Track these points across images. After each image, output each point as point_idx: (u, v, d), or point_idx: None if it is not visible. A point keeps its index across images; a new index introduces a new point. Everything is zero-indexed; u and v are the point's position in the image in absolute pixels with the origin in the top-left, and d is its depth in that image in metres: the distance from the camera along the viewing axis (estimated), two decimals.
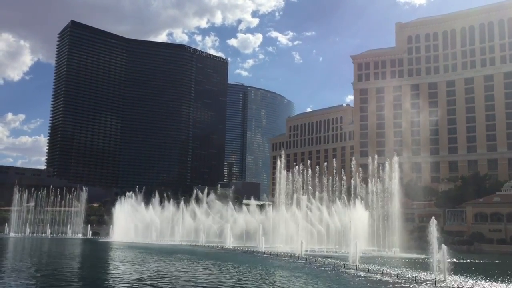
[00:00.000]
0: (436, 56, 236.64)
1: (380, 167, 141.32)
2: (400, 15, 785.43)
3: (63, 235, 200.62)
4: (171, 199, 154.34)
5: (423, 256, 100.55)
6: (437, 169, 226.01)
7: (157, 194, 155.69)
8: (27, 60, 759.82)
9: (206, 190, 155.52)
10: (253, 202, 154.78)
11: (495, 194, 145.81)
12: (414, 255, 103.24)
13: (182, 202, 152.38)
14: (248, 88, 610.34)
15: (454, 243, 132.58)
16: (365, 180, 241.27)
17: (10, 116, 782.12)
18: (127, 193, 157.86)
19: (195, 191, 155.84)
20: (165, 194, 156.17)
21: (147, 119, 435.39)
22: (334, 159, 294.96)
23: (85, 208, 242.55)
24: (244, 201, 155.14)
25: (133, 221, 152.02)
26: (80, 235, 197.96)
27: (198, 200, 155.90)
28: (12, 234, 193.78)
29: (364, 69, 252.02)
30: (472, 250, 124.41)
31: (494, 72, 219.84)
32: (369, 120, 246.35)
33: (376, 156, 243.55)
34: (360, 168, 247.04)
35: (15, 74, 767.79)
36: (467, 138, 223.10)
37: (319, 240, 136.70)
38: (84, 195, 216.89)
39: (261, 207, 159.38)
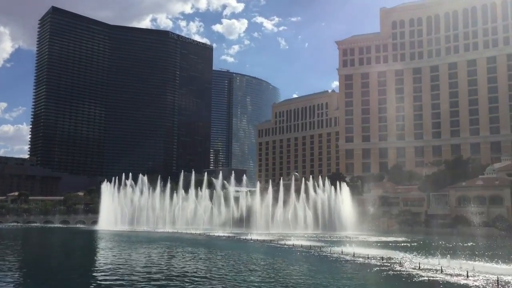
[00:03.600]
0: (420, 41, 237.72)
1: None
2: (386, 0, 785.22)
3: (48, 224, 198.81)
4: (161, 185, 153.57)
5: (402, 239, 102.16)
6: (421, 154, 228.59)
7: (146, 180, 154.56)
8: (7, 47, 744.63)
9: (193, 176, 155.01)
10: (242, 189, 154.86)
11: (478, 178, 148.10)
12: (399, 239, 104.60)
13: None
14: (233, 74, 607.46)
15: (438, 226, 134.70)
16: (350, 166, 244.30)
17: None
18: (112, 180, 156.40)
19: (181, 176, 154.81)
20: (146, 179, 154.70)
21: (132, 106, 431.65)
22: (319, 144, 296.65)
23: (69, 197, 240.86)
24: (234, 188, 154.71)
25: (120, 208, 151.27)
26: (66, 224, 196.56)
27: (187, 187, 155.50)
28: None
29: (349, 55, 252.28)
30: (455, 233, 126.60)
31: (477, 57, 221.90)
32: (354, 106, 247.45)
33: (361, 142, 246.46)
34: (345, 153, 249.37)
35: None
36: (451, 123, 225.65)
37: (306, 225, 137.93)
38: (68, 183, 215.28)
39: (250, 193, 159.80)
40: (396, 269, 48.11)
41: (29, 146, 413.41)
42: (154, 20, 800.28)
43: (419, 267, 48.71)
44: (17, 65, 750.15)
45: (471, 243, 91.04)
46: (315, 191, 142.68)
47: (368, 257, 56.88)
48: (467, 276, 42.64)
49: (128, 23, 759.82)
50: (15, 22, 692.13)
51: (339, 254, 62.25)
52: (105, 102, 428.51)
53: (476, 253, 66.74)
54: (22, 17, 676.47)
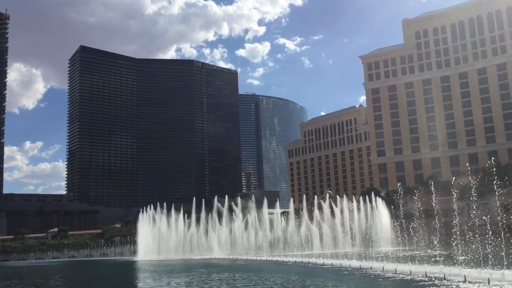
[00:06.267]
0: (446, 49, 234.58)
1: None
2: (407, 11, 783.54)
3: (89, 258, 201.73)
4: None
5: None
6: (456, 163, 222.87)
7: (181, 209, 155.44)
8: (40, 87, 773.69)
9: (226, 201, 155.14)
10: (276, 211, 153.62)
11: None
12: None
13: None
14: (260, 97, 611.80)
15: (480, 236, 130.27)
16: (384, 180, 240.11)
17: (28, 144, 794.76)
18: (148, 210, 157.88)
19: (215, 202, 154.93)
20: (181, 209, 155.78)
21: (162, 136, 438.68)
22: (351, 161, 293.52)
23: (107, 229, 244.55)
24: (268, 210, 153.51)
25: (156, 238, 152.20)
26: (105, 257, 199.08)
27: (220, 213, 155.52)
28: (37, 260, 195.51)
29: (374, 69, 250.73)
30: (500, 243, 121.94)
31: (506, 60, 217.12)
32: (384, 119, 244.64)
33: (393, 155, 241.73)
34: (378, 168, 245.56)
35: (29, 102, 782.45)
36: (485, 129, 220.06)
37: (343, 242, 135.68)
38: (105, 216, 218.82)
39: (284, 214, 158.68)
40: (442, 283, 46.55)
41: (66, 182, 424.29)
42: (178, 50, 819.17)
43: (465, 279, 47.02)
44: (50, 105, 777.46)
45: None
46: (350, 208, 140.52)
47: (410, 273, 55.34)
48: None
49: (153, 55, 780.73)
50: (46, 63, 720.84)
51: (381, 271, 60.80)
52: (136, 134, 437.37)
53: None
54: (52, 58, 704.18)
